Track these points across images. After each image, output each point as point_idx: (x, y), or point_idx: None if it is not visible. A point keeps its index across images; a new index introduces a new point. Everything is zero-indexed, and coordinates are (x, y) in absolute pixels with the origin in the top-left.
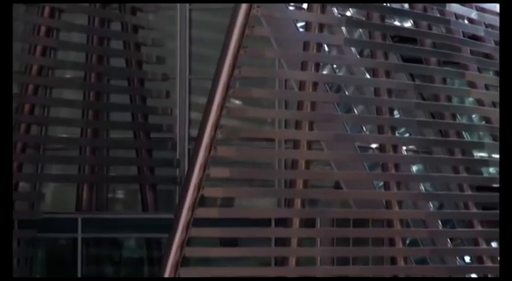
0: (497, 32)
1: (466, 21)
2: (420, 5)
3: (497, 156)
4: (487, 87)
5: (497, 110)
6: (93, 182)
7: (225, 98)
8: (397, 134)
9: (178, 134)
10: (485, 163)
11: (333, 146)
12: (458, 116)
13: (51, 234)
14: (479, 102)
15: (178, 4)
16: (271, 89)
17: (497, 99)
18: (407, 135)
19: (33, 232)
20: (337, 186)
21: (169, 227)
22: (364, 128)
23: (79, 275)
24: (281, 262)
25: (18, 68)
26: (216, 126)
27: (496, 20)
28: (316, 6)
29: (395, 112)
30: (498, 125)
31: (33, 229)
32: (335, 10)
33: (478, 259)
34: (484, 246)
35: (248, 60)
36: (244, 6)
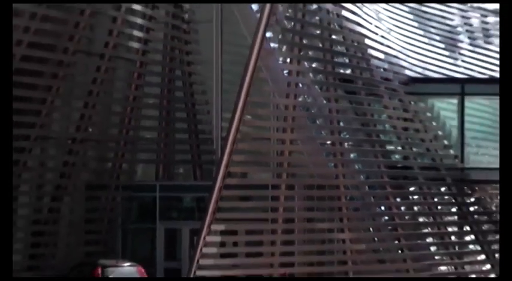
0: (402, 75)
1: (385, 66)
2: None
3: (400, 148)
4: (395, 108)
5: (401, 121)
6: (165, 163)
7: (242, 114)
8: (341, 136)
9: (215, 135)
10: (393, 152)
11: (304, 143)
12: (377, 125)
13: (141, 194)
14: (390, 117)
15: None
16: (268, 109)
17: (401, 115)
18: (347, 136)
19: (130, 193)
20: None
21: (210, 189)
22: (323, 132)
23: (157, 219)
24: None
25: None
26: (237, 130)
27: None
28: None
29: (341, 123)
30: (401, 130)
31: (130, 190)
32: (305, 63)
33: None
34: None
35: (255, 91)
36: (253, 60)
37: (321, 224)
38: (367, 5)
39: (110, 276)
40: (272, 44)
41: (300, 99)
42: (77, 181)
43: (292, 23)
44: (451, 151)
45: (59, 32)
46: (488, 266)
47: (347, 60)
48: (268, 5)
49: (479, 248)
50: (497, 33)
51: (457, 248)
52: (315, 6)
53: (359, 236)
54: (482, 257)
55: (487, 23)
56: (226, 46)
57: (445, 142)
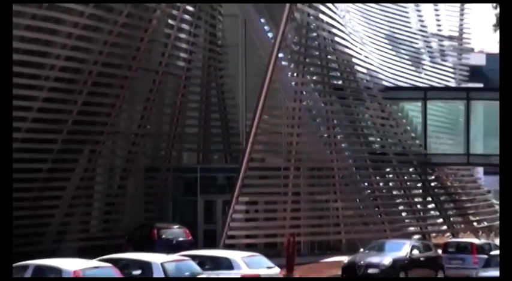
0: (380, 85)
1: (367, 78)
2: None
3: (379, 139)
4: (374, 109)
5: (379, 119)
6: (203, 151)
7: (261, 114)
8: (335, 130)
9: (241, 130)
10: (373, 142)
11: (307, 136)
12: (361, 122)
13: (186, 174)
14: (371, 116)
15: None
16: (280, 110)
17: (379, 115)
18: (339, 130)
19: (178, 174)
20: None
21: (237, 170)
22: (321, 128)
23: (198, 193)
24: None
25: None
26: (257, 126)
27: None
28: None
29: (334, 121)
30: (379, 126)
31: (178, 172)
32: (308, 77)
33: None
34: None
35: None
36: (269, 74)
37: (319, 196)
38: (354, 32)
39: (163, 236)
40: (283, 62)
41: (304, 103)
42: (139, 165)
43: (298, 47)
44: (417, 141)
45: (125, 54)
46: (444, 227)
47: (339, 74)
48: (280, 33)
49: (438, 213)
50: (452, 53)
51: (421, 214)
52: (314, 33)
53: (348, 205)
54: (440, 220)
55: (443, 45)
56: (249, 64)
57: (412, 134)
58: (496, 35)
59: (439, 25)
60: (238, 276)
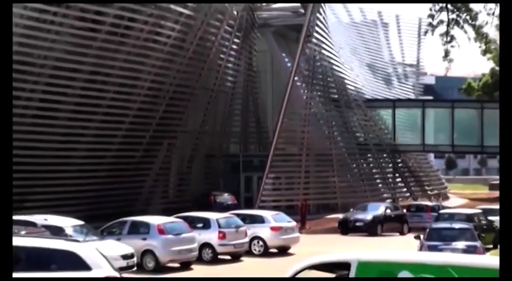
0: (364, 97)
1: (354, 92)
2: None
3: (363, 134)
4: (359, 114)
5: (363, 121)
6: (243, 143)
7: (283, 118)
8: (333, 129)
9: (270, 129)
10: (359, 136)
11: (314, 132)
12: (351, 123)
13: (232, 159)
14: (357, 119)
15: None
16: (295, 115)
17: (363, 118)
18: (336, 129)
19: (226, 158)
20: None
21: (267, 156)
22: (323, 127)
23: (240, 171)
24: None
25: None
26: (281, 126)
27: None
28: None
29: (333, 122)
30: (363, 125)
31: (226, 157)
32: (314, 92)
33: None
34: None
35: (288, 106)
36: (288, 90)
37: (322, 173)
38: (345, 61)
39: (217, 200)
40: (297, 83)
41: (312, 110)
42: (200, 153)
43: (307, 72)
44: (389, 136)
45: (191, 78)
46: (407, 194)
47: (335, 90)
48: (296, 63)
49: (403, 185)
50: (412, 76)
51: (392, 185)
52: (319, 63)
53: (342, 179)
54: (405, 189)
55: (406, 70)
56: (274, 84)
57: (385, 131)
58: (444, 63)
59: (403, 56)
60: (269, 227)
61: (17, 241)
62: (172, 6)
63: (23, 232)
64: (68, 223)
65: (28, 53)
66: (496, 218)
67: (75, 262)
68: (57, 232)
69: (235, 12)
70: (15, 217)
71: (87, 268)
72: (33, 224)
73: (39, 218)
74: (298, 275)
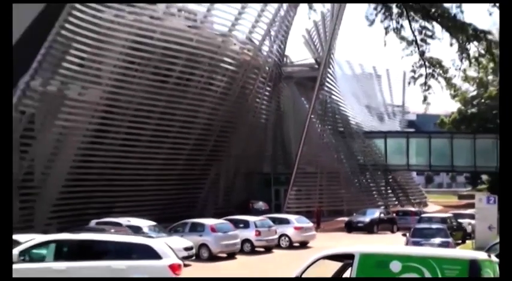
0: (362, 130)
1: (356, 126)
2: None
3: (362, 157)
4: (359, 142)
5: (362, 147)
6: (273, 164)
7: (303, 145)
8: (340, 154)
9: (294, 153)
10: (359, 159)
11: (325, 156)
12: (353, 148)
13: (263, 176)
14: (358, 146)
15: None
16: (312, 143)
17: (362, 145)
18: (342, 153)
19: (260, 176)
20: None
21: (291, 174)
22: (333, 153)
23: (272, 185)
24: None
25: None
26: (302, 151)
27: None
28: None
29: (339, 148)
30: (362, 150)
31: (259, 175)
32: (325, 126)
33: None
34: None
35: (307, 136)
36: (307, 124)
37: (332, 187)
38: (349, 103)
39: (254, 206)
40: (313, 119)
41: (324, 140)
42: (242, 171)
43: (321, 111)
44: (381, 158)
45: (236, 116)
46: (396, 202)
47: (341, 125)
48: (312, 105)
49: (392, 195)
50: (399, 114)
51: (384, 196)
52: (329, 105)
53: (347, 191)
54: (394, 199)
55: (394, 109)
56: (296, 120)
57: (379, 155)
58: (423, 105)
59: (392, 99)
60: (293, 227)
61: (108, 237)
62: (221, 64)
63: (112, 231)
64: (144, 223)
65: (116, 99)
66: (463, 221)
67: (150, 252)
68: (136, 230)
69: (267, 68)
70: (106, 219)
71: (158, 257)
72: (119, 225)
73: (123, 220)
74: (315, 264)
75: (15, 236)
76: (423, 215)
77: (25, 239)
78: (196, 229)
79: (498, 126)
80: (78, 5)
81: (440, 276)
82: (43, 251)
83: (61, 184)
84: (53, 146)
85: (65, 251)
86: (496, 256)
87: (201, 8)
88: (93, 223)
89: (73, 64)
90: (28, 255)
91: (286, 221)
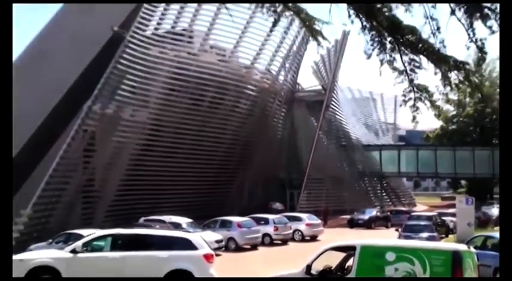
0: (361, 143)
1: (355, 140)
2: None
3: (361, 166)
4: (358, 154)
5: (361, 158)
6: (288, 172)
7: (312, 157)
8: (341, 164)
9: (305, 164)
10: (358, 167)
11: (329, 165)
12: (353, 159)
13: (281, 181)
14: (357, 156)
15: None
16: (320, 156)
17: (362, 156)
18: (345, 163)
19: (278, 181)
20: None
21: (303, 180)
22: (337, 162)
23: (287, 188)
24: None
25: None
26: (311, 162)
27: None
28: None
29: (341, 159)
30: (360, 160)
31: (277, 180)
32: (331, 141)
33: None
34: None
35: (315, 150)
36: (315, 139)
37: (337, 190)
38: (350, 122)
39: (272, 207)
40: (321, 135)
41: (330, 151)
42: (262, 177)
43: (327, 129)
44: (378, 167)
45: (256, 140)
46: (390, 204)
47: (344, 139)
48: (320, 124)
49: (387, 197)
50: (391, 130)
51: (380, 198)
52: (333, 123)
53: (349, 194)
54: (388, 200)
55: (388, 127)
56: (307, 135)
57: (376, 164)
58: (412, 123)
59: (386, 118)
60: (304, 224)
61: (153, 232)
62: (245, 90)
63: (157, 226)
64: (183, 220)
65: (160, 119)
66: (446, 218)
67: (188, 244)
68: (177, 226)
69: (282, 93)
70: (152, 217)
71: (195, 248)
72: (163, 222)
73: (166, 218)
74: (323, 254)
75: (78, 231)
76: (413, 213)
77: (87, 234)
78: (225, 225)
79: (474, 140)
80: (130, 44)
81: (428, 265)
82: (101, 243)
83: (116, 189)
84: (110, 157)
85: (119, 243)
86: (475, 247)
87: (228, 46)
88: (141, 220)
89: (126, 91)
90: (90, 246)
91: (299, 219)
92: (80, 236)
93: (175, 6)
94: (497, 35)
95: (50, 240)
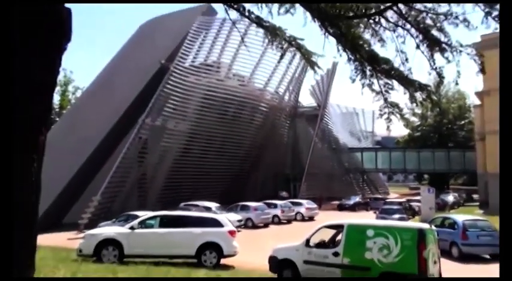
0: (347, 147)
1: (342, 145)
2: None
3: (347, 164)
4: (345, 155)
5: (348, 159)
6: (292, 169)
7: (310, 159)
8: (334, 163)
9: (306, 168)
10: (346, 165)
11: (325, 166)
12: (343, 160)
13: (285, 176)
14: (345, 157)
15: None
16: (317, 158)
17: (349, 158)
18: (335, 163)
19: (283, 177)
20: None
21: (307, 175)
22: (331, 163)
23: (291, 183)
24: None
25: None
26: (309, 162)
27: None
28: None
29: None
30: (347, 160)
31: (283, 176)
32: (325, 146)
33: None
34: None
35: (312, 155)
36: (312, 145)
37: (329, 183)
38: (338, 131)
39: (280, 195)
40: (316, 140)
41: (324, 153)
42: (271, 173)
43: (321, 137)
44: (360, 164)
45: (268, 140)
46: (369, 192)
47: (334, 144)
48: (315, 133)
49: (367, 188)
50: (369, 137)
51: (362, 189)
52: (326, 131)
53: (338, 185)
54: (368, 190)
55: (367, 134)
56: (306, 141)
57: (358, 162)
58: (387, 131)
59: (365, 127)
60: (304, 208)
61: (191, 214)
62: (259, 107)
63: (193, 209)
64: (213, 205)
65: (195, 129)
66: (413, 204)
67: (216, 223)
68: (208, 209)
69: (287, 109)
70: (189, 202)
71: (221, 226)
72: (197, 206)
73: (200, 203)
74: (319, 231)
75: (135, 212)
76: (387, 200)
77: (141, 215)
78: (244, 208)
79: (434, 144)
80: (173, 73)
81: (399, 239)
82: (152, 222)
83: (162, 182)
84: (158, 158)
85: (165, 222)
86: (435, 226)
87: (246, 74)
88: (181, 204)
89: (170, 108)
90: (144, 224)
91: (300, 204)
92: (136, 217)
93: (208, 42)
94: (452, 64)
95: (114, 219)
